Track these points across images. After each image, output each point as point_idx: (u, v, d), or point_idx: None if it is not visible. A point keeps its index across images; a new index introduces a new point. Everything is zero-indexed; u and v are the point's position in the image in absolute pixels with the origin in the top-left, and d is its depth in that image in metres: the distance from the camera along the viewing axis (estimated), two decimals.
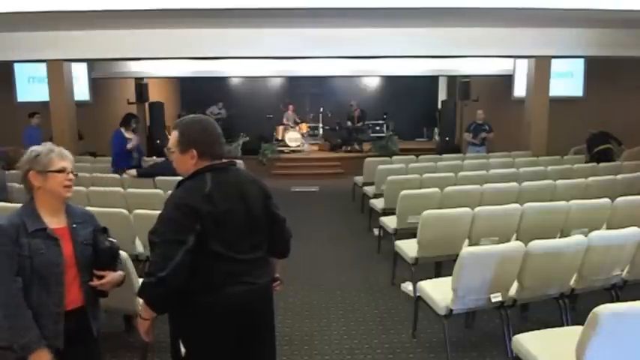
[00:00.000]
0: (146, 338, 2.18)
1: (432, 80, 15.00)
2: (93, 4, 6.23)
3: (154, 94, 12.72)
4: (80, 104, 10.23)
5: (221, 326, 2.01)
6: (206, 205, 1.96)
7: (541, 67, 8.96)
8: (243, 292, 2.03)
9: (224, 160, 2.11)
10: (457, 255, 3.21)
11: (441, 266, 4.51)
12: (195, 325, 2.02)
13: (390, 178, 6.25)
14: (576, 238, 3.42)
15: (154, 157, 9.06)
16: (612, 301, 3.37)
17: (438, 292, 3.45)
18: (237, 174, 2.16)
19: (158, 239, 1.95)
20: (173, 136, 2.11)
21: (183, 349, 2.07)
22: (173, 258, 1.89)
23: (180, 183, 2.10)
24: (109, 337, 3.82)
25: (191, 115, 2.16)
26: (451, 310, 3.29)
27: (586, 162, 8.21)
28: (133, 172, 6.33)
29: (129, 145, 6.90)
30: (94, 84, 11.79)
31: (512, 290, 3.38)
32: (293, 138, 12.85)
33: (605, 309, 2.20)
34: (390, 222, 5.39)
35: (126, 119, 7.13)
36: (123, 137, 6.97)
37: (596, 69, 10.69)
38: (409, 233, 4.84)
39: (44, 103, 9.16)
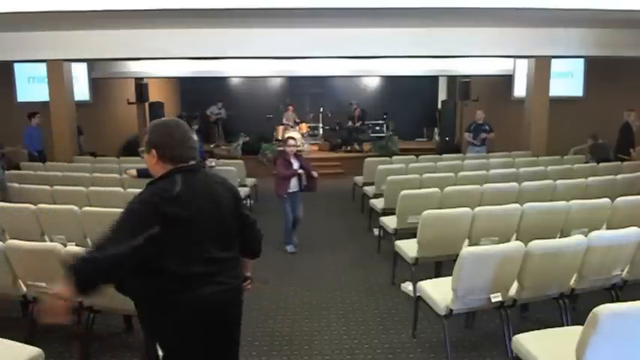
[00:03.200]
0: (61, 319, 1.91)
1: (432, 80, 15.00)
2: (93, 4, 6.23)
3: (154, 94, 12.72)
4: (80, 104, 10.23)
5: (196, 326, 2.03)
6: (174, 207, 1.96)
7: (541, 67, 8.96)
8: (218, 292, 2.05)
9: (193, 162, 2.11)
10: (457, 255, 3.21)
11: (441, 266, 4.51)
12: (171, 326, 2.03)
13: (390, 178, 6.25)
14: (576, 238, 3.42)
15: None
16: (612, 301, 3.37)
17: (438, 292, 3.45)
18: (207, 176, 2.18)
19: (114, 226, 1.94)
20: (145, 137, 2.16)
21: (160, 352, 2.06)
22: (117, 246, 1.87)
23: (150, 184, 2.09)
24: (109, 337, 3.83)
25: (164, 118, 2.18)
26: (451, 310, 3.29)
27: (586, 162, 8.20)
28: (133, 171, 6.32)
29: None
30: (94, 84, 11.79)
31: (512, 290, 3.38)
32: None
33: (605, 309, 2.20)
34: (390, 222, 5.39)
35: (187, 120, 7.16)
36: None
37: (596, 69, 10.69)
38: (409, 233, 4.84)
39: (44, 103, 9.16)
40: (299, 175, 5.80)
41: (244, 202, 7.37)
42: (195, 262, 2.01)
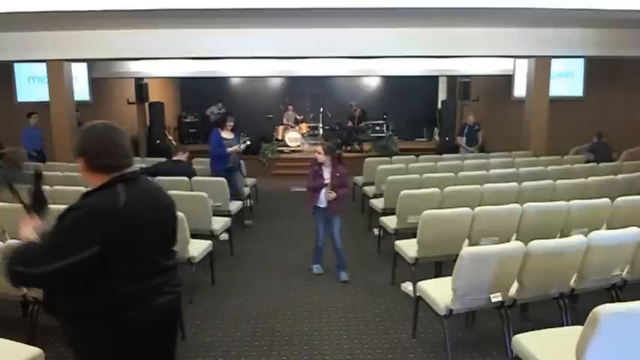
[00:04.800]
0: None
1: (432, 80, 14.99)
2: (93, 4, 6.22)
3: (154, 94, 12.71)
4: (80, 104, 10.23)
5: (148, 337, 1.96)
6: (118, 223, 1.81)
7: (541, 67, 8.96)
8: (167, 302, 1.99)
9: (131, 170, 1.96)
10: (457, 255, 3.21)
11: (440, 266, 4.52)
12: (120, 344, 1.91)
13: (390, 178, 6.25)
14: (576, 238, 3.42)
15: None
16: (612, 301, 3.38)
17: (438, 292, 3.45)
18: (147, 184, 2.05)
19: (48, 240, 1.82)
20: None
21: None
22: (47, 263, 1.74)
23: (87, 194, 1.91)
24: None
25: (96, 122, 1.99)
26: (451, 310, 3.29)
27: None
28: None
29: (230, 149, 6.75)
30: (94, 84, 11.78)
31: (512, 290, 3.38)
32: (293, 138, 12.84)
33: (605, 309, 2.20)
34: (390, 222, 5.39)
35: (221, 119, 7.10)
36: (220, 138, 6.79)
37: (596, 69, 10.69)
38: (409, 233, 4.84)
39: (44, 103, 9.16)
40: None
41: (247, 202, 7.38)
42: (145, 275, 1.91)
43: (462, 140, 9.96)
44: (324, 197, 4.91)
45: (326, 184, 4.88)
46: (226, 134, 6.85)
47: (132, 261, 1.86)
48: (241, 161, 7.32)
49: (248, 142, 7.41)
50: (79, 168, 1.98)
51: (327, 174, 4.93)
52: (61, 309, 1.90)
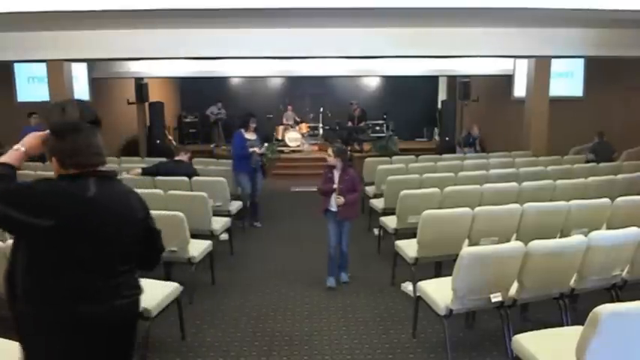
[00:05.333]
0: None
1: (432, 80, 15.00)
2: (93, 4, 6.21)
3: (154, 94, 12.71)
4: None
5: (99, 337, 1.93)
6: (84, 208, 1.86)
7: (541, 67, 8.96)
8: (122, 305, 1.96)
9: (105, 169, 1.99)
10: (457, 255, 3.21)
11: (440, 266, 4.51)
12: (71, 336, 1.90)
13: (390, 178, 6.24)
14: (576, 238, 3.42)
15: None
16: (612, 301, 3.37)
17: (438, 292, 3.45)
18: (121, 185, 2.07)
19: (19, 187, 1.87)
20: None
21: None
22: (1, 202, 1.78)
23: (61, 177, 1.94)
24: None
25: (63, 122, 2.02)
26: (451, 310, 3.29)
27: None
28: (138, 170, 6.32)
29: (252, 149, 6.78)
30: (94, 84, 11.78)
31: (512, 290, 3.38)
32: (293, 138, 12.85)
33: (605, 309, 2.20)
34: (390, 222, 5.39)
35: (244, 120, 7.03)
36: (243, 139, 6.85)
37: (596, 69, 10.69)
38: (409, 233, 4.84)
39: (44, 103, 9.16)
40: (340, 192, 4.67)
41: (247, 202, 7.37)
42: (100, 273, 1.91)
43: (469, 151, 9.95)
44: (334, 201, 4.71)
45: (334, 189, 4.68)
46: (249, 135, 6.92)
47: (88, 253, 1.88)
48: (261, 162, 7.27)
49: (264, 149, 7.26)
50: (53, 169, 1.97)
51: (337, 178, 4.73)
52: (21, 289, 1.89)
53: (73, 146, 1.91)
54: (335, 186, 4.67)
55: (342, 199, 4.64)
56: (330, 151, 4.81)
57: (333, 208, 4.76)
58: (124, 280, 2.00)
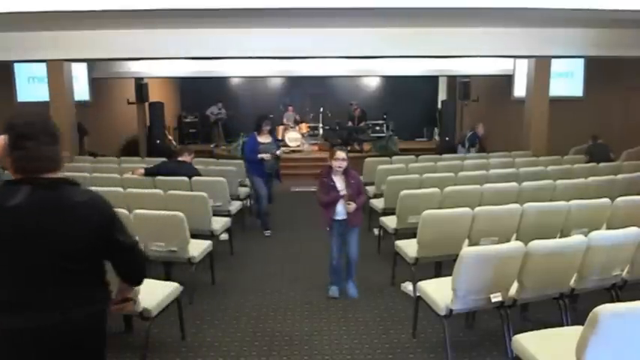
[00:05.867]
0: None
1: (432, 80, 15.00)
2: (93, 4, 6.22)
3: (154, 94, 12.71)
4: (80, 104, 10.23)
5: (25, 354, 1.82)
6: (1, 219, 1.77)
7: (541, 67, 8.97)
8: (46, 324, 1.83)
9: (49, 176, 1.85)
10: (457, 255, 3.21)
11: (440, 266, 4.51)
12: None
13: (390, 178, 6.24)
14: (576, 238, 3.42)
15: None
16: (612, 301, 3.37)
17: (438, 292, 3.45)
18: (70, 194, 1.88)
19: None
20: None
21: None
22: None
23: None
24: (109, 337, 3.81)
25: (14, 120, 1.86)
26: (451, 310, 3.29)
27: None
28: (141, 170, 6.32)
29: (260, 156, 6.48)
30: (94, 84, 11.79)
31: (512, 290, 3.38)
32: (293, 138, 12.85)
33: (605, 309, 2.20)
34: (390, 222, 5.39)
35: (257, 122, 6.67)
36: (255, 143, 6.56)
37: (596, 69, 10.69)
38: (409, 233, 4.84)
39: (44, 103, 9.16)
40: (349, 198, 4.33)
41: (247, 202, 7.36)
42: (21, 286, 1.81)
43: (473, 151, 9.74)
44: (342, 209, 4.35)
45: (343, 196, 4.31)
46: (263, 138, 6.61)
47: (4, 262, 1.80)
48: (277, 167, 6.89)
49: (280, 152, 6.96)
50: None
51: (340, 184, 4.34)
52: None
53: (18, 152, 1.81)
54: (344, 192, 4.32)
55: (353, 205, 4.27)
56: (343, 154, 4.35)
57: (341, 217, 4.38)
58: (62, 292, 1.85)
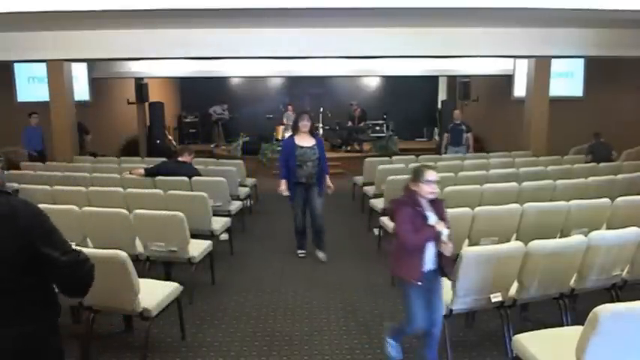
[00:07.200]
0: None
1: (432, 80, 15.00)
2: (93, 4, 6.22)
3: (154, 94, 12.72)
4: (80, 104, 10.23)
5: None
6: None
7: (541, 67, 8.97)
8: None
9: None
10: (457, 255, 3.21)
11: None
12: None
13: (390, 178, 6.25)
14: (576, 238, 3.42)
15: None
16: (612, 301, 3.37)
17: None
18: None
19: None
20: None
21: None
22: None
23: None
24: (109, 337, 3.83)
25: None
26: (451, 310, 3.29)
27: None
28: (141, 170, 6.32)
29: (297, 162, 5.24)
30: (94, 84, 11.79)
31: (512, 290, 3.38)
32: None
33: (605, 309, 2.20)
34: (390, 222, 5.37)
35: (294, 121, 5.58)
36: (291, 146, 5.30)
37: (596, 69, 10.69)
38: None
39: (44, 103, 9.16)
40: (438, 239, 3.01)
41: (247, 202, 7.35)
42: None
43: (445, 137, 9.65)
44: (432, 256, 3.06)
45: (441, 231, 2.97)
46: (302, 140, 5.26)
47: None
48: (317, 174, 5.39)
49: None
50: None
51: (432, 219, 3.03)
52: None
53: None
54: (442, 227, 2.99)
55: (450, 243, 3.02)
56: (434, 173, 3.08)
57: (430, 266, 3.06)
58: None
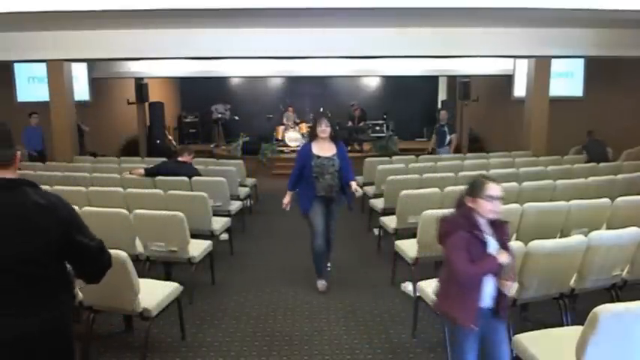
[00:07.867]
0: None
1: (432, 80, 15.00)
2: (93, 4, 6.22)
3: (154, 94, 12.72)
4: (80, 104, 10.23)
5: None
6: None
7: (541, 67, 8.97)
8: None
9: (12, 177, 1.91)
10: None
11: (441, 266, 4.51)
12: None
13: (390, 178, 6.25)
14: (576, 238, 3.42)
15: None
16: (612, 301, 3.37)
17: None
18: (24, 195, 1.88)
19: None
20: None
21: None
22: None
23: None
24: (109, 337, 3.83)
25: None
26: None
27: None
28: (141, 170, 6.32)
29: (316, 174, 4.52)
30: (94, 84, 11.80)
31: (513, 290, 3.37)
32: (293, 138, 12.84)
33: (605, 309, 2.20)
34: (390, 222, 5.39)
35: (312, 126, 4.83)
36: (307, 156, 4.56)
37: (596, 69, 10.69)
38: (409, 233, 4.84)
39: (44, 103, 9.16)
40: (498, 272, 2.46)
41: (247, 202, 7.35)
42: None
43: (433, 139, 9.84)
44: (491, 291, 2.51)
45: (502, 264, 2.41)
46: (320, 148, 4.53)
47: None
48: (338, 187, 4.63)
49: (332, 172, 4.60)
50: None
51: (493, 242, 2.50)
52: None
53: None
54: (505, 258, 2.43)
55: (511, 283, 2.51)
56: (498, 187, 2.52)
57: (486, 304, 2.52)
58: (21, 298, 1.85)
